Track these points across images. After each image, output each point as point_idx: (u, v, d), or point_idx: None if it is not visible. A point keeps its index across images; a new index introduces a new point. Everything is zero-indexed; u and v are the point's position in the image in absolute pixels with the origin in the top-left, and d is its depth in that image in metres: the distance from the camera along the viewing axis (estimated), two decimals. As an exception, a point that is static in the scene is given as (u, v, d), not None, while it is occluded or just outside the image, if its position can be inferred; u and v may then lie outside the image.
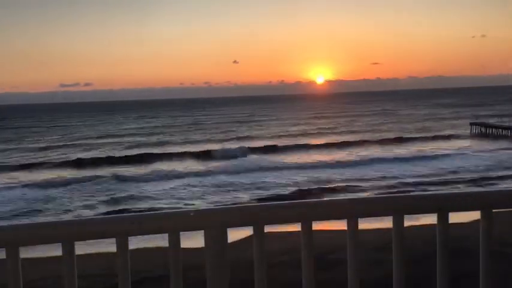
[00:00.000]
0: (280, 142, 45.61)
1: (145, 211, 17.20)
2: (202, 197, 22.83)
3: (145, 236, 1.89)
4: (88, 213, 20.41)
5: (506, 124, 43.04)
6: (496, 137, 41.26)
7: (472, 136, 44.66)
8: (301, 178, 26.23)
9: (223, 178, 27.10)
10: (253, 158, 35.38)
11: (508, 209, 2.04)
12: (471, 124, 48.89)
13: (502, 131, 42.08)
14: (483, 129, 45.86)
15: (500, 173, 25.40)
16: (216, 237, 1.83)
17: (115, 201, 22.53)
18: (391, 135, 47.72)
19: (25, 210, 21.20)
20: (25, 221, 17.20)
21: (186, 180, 26.84)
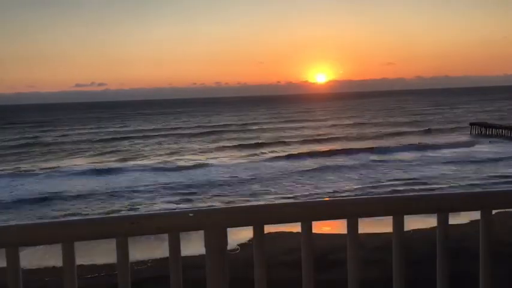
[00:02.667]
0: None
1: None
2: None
3: (145, 236, 1.90)
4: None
5: (506, 124, 43.05)
6: (495, 137, 41.29)
7: (472, 136, 44.64)
8: None
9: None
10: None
11: (507, 209, 2.04)
12: (471, 124, 48.87)
13: (502, 131, 42.08)
14: (483, 130, 45.84)
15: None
16: (216, 237, 1.83)
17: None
18: None
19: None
20: (25, 221, 17.24)
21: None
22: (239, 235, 11.44)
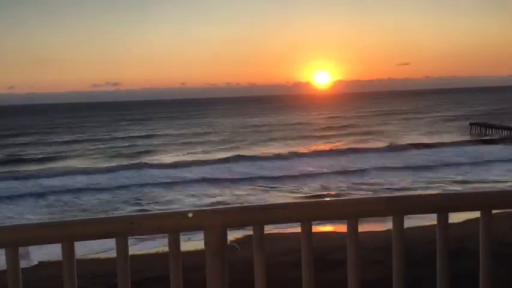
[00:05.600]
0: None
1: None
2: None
3: (145, 237, 1.90)
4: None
5: (506, 124, 43.04)
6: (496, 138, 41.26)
7: (472, 136, 44.60)
8: None
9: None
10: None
11: (507, 210, 2.04)
12: (471, 124, 48.82)
13: (502, 132, 42.05)
14: (483, 130, 45.79)
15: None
16: (215, 237, 1.83)
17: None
18: None
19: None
20: (25, 221, 17.24)
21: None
22: (239, 235, 11.44)
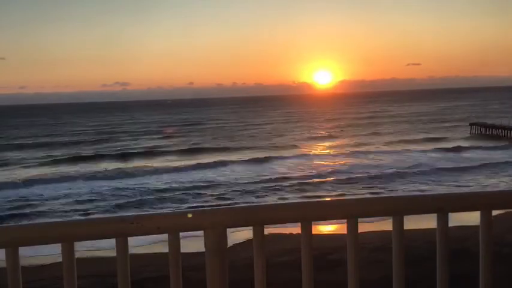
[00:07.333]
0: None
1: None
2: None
3: (145, 237, 1.89)
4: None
5: (506, 124, 43.07)
6: (496, 138, 41.28)
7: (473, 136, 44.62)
8: None
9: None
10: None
11: (507, 210, 2.05)
12: (471, 124, 48.87)
13: (502, 132, 42.08)
14: (483, 130, 45.84)
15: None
16: (215, 237, 1.83)
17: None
18: None
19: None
20: (25, 221, 17.24)
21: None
22: (239, 235, 11.45)
